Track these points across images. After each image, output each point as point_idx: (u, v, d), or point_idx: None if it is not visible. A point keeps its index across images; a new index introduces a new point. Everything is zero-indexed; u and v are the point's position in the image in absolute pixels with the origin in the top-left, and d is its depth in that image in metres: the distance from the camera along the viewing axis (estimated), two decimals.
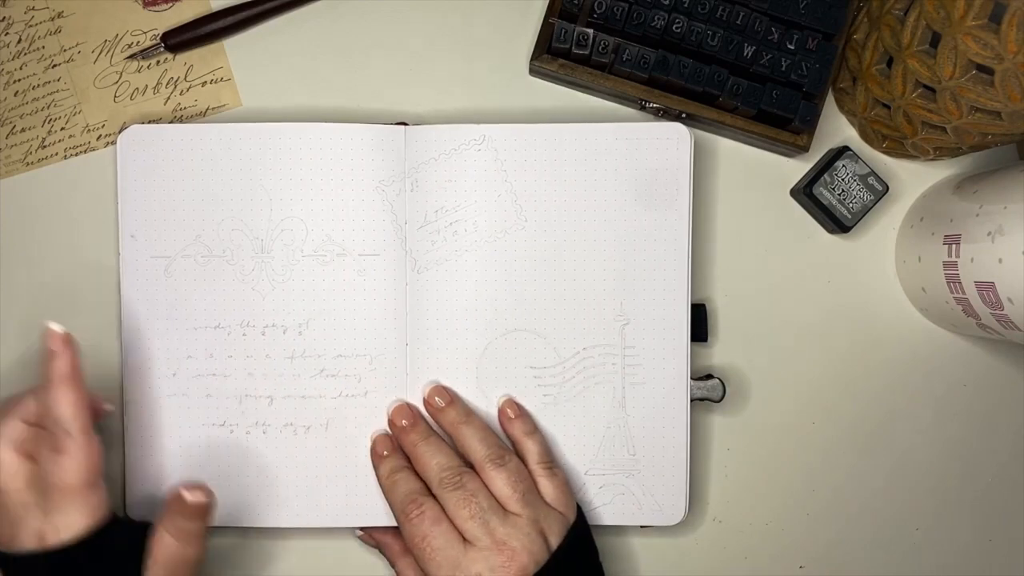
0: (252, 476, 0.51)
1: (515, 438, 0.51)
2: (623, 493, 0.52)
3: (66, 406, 0.43)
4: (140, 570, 0.44)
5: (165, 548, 0.44)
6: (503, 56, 0.56)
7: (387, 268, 0.52)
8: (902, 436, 0.57)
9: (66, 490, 0.43)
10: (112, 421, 0.52)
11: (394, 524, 0.49)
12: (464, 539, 0.46)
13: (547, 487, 0.49)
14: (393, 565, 0.51)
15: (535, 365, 0.52)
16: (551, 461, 0.50)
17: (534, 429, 0.51)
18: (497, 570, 0.44)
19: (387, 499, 0.49)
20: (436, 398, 0.51)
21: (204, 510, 0.45)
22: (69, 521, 0.43)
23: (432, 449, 0.49)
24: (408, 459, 0.50)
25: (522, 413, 0.51)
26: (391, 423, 0.51)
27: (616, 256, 0.52)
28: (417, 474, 0.49)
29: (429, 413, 0.51)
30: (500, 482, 0.47)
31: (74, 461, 0.43)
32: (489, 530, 0.45)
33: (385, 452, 0.50)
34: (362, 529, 0.52)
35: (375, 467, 0.50)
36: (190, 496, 0.44)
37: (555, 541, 0.46)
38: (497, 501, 0.47)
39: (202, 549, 0.45)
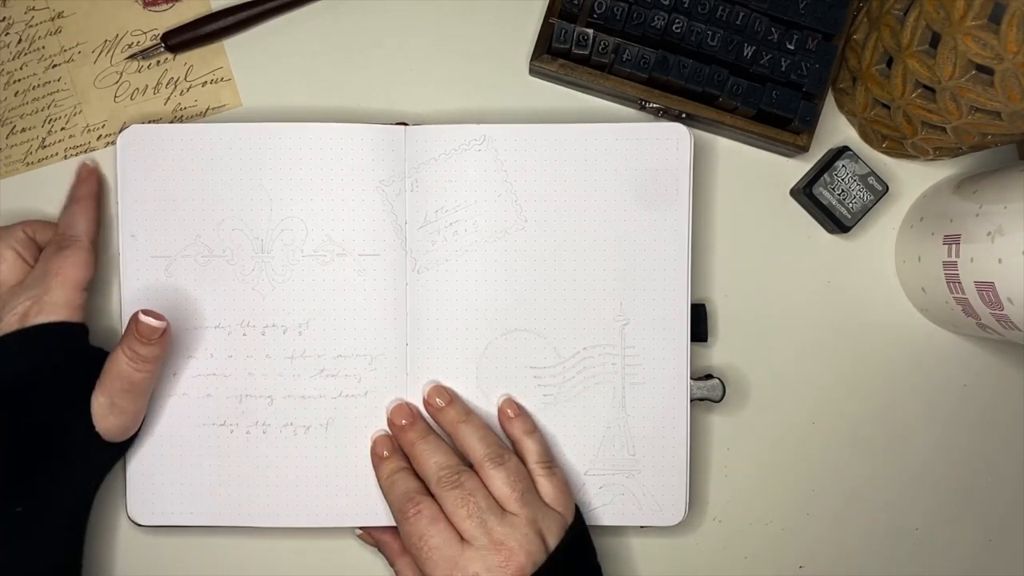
0: (252, 476, 0.51)
1: (514, 437, 0.51)
2: (623, 493, 0.52)
3: (82, 219, 0.50)
4: (94, 377, 0.47)
5: (116, 365, 0.46)
6: (503, 56, 0.56)
7: (387, 268, 0.52)
8: (902, 436, 0.57)
9: (61, 277, 0.47)
10: None
11: (394, 524, 0.49)
12: (462, 538, 0.46)
13: (546, 486, 0.49)
14: (392, 564, 0.51)
15: (535, 365, 0.52)
16: (550, 460, 0.50)
17: (533, 428, 0.51)
18: (494, 570, 0.44)
19: (386, 499, 0.49)
20: (436, 398, 0.51)
21: (156, 334, 0.46)
22: (54, 307, 0.47)
23: (430, 448, 0.49)
24: (408, 460, 0.50)
25: (521, 412, 0.51)
26: (390, 423, 0.51)
27: (616, 256, 0.52)
28: (416, 474, 0.49)
29: (429, 413, 0.51)
30: (499, 481, 0.47)
31: (75, 258, 0.48)
32: (487, 529, 0.45)
33: (385, 453, 0.50)
34: (362, 528, 0.52)
35: (375, 468, 0.50)
36: (144, 317, 0.45)
37: (553, 541, 0.46)
38: (495, 500, 0.47)
39: (150, 376, 0.47)
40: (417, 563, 0.46)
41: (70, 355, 0.48)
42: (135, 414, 0.48)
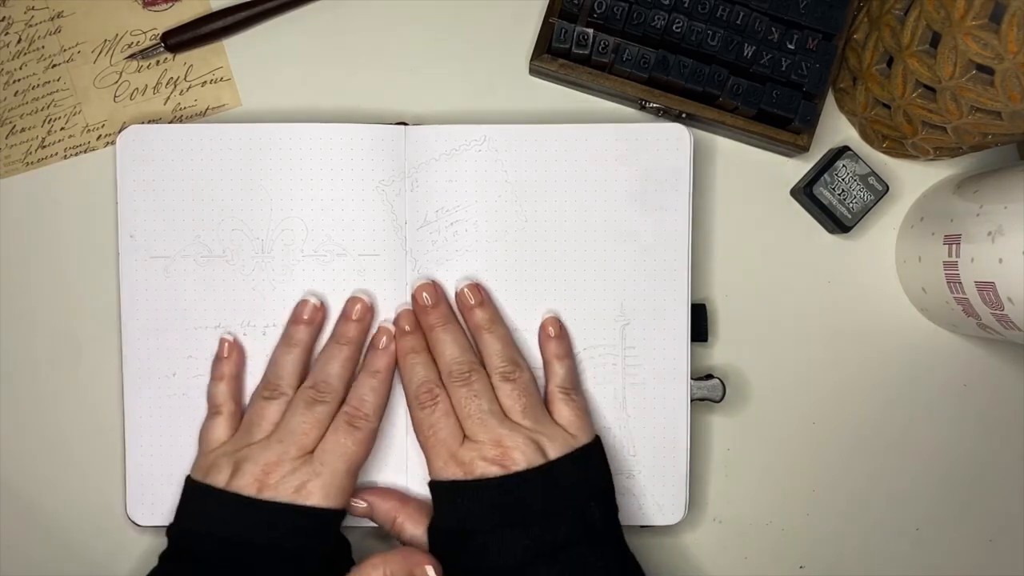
0: None
1: (545, 358, 0.51)
2: (623, 493, 0.52)
3: (371, 394, 0.49)
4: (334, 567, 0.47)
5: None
6: (503, 56, 0.56)
7: (387, 268, 0.52)
8: (902, 436, 0.57)
9: (347, 461, 0.48)
10: (112, 422, 0.52)
11: (382, 487, 0.50)
12: (464, 434, 0.47)
13: (563, 410, 0.49)
14: (392, 520, 0.49)
15: (535, 366, 0.52)
16: (574, 388, 0.50)
17: (567, 354, 0.51)
18: (488, 458, 0.46)
19: (401, 376, 0.50)
20: (468, 293, 0.51)
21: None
22: (328, 490, 0.47)
23: (448, 338, 0.49)
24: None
25: (560, 334, 0.51)
26: (414, 298, 0.51)
27: (616, 256, 0.52)
28: (434, 360, 0.50)
29: (458, 307, 0.51)
30: (505, 394, 0.48)
31: (364, 438, 0.48)
32: (487, 428, 0.47)
33: (407, 327, 0.50)
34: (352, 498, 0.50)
35: (396, 339, 0.51)
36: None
37: (553, 454, 0.47)
38: (500, 407, 0.48)
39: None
40: (423, 448, 0.48)
41: (317, 544, 0.46)
42: None
